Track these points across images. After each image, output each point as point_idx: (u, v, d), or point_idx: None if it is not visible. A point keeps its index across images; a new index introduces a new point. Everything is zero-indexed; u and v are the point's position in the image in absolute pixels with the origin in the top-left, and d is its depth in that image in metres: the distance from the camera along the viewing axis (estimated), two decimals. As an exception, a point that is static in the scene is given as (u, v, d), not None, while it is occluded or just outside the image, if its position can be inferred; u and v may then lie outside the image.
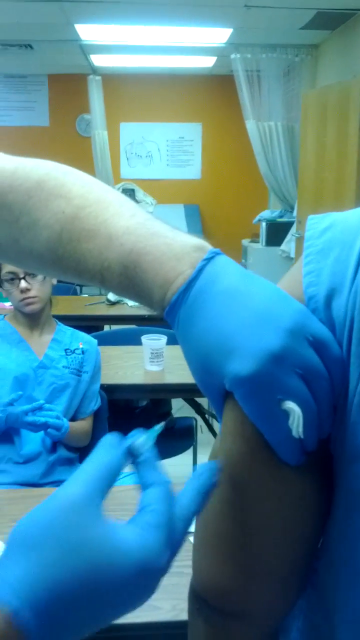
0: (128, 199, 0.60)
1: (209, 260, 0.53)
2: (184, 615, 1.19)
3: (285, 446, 0.49)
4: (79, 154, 7.21)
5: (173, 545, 0.45)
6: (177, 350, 2.82)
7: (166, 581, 1.38)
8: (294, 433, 0.48)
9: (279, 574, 0.54)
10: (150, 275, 0.54)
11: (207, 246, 0.55)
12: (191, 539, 1.37)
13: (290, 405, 0.47)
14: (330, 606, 0.55)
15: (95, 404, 2.23)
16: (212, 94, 7.14)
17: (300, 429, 0.47)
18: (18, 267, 0.71)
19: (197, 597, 0.58)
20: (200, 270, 0.52)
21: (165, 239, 0.55)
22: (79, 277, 0.60)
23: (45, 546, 0.41)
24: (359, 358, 0.49)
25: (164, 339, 2.60)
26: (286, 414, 0.47)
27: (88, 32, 5.15)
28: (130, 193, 7.29)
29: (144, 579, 0.44)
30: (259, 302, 0.50)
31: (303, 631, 0.60)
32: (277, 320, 0.48)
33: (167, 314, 0.54)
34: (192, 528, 1.40)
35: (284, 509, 0.51)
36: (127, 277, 0.55)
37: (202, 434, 3.20)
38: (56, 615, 0.40)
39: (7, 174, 0.62)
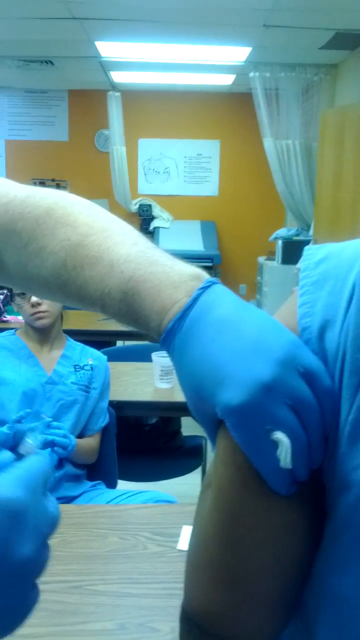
0: (132, 228, 0.63)
1: (204, 289, 0.54)
2: None
3: (275, 476, 0.49)
4: (97, 169, 7.27)
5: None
6: (187, 368, 2.81)
7: (165, 603, 1.35)
8: (282, 464, 0.48)
9: (269, 599, 0.54)
10: (147, 302, 0.56)
11: (204, 275, 0.56)
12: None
13: (279, 436, 0.48)
14: (312, 633, 0.55)
15: (103, 420, 2.22)
16: (230, 111, 7.17)
17: (289, 460, 0.48)
18: (27, 292, 0.74)
19: (188, 620, 0.58)
20: (195, 299, 0.54)
21: (164, 267, 0.57)
22: (81, 303, 0.62)
23: None
24: (350, 389, 0.49)
25: (174, 356, 2.59)
26: (275, 444, 0.48)
27: (108, 49, 5.20)
28: (147, 209, 7.32)
29: None
30: (252, 331, 0.50)
31: None
32: (269, 350, 0.49)
33: (162, 341, 0.55)
34: (185, 547, 1.36)
35: (275, 536, 0.52)
36: (126, 304, 0.57)
37: (212, 453, 3.17)
38: None
39: (18, 202, 0.65)
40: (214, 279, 0.56)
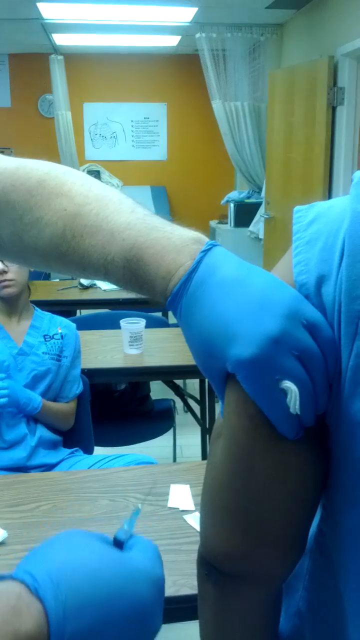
0: (125, 195, 0.64)
1: (206, 251, 0.57)
2: (184, 590, 1.23)
3: (284, 422, 0.53)
4: (42, 135, 7.11)
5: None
6: (156, 334, 2.84)
7: (165, 558, 1.40)
8: (292, 410, 0.52)
9: (283, 536, 0.58)
10: (152, 267, 0.58)
11: (204, 238, 0.59)
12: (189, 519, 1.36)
13: (288, 385, 0.51)
14: (335, 565, 0.59)
15: (77, 388, 2.23)
16: (176, 73, 7.09)
17: (297, 406, 0.52)
18: (21, 264, 0.75)
19: (206, 564, 0.62)
20: (199, 262, 0.56)
21: (164, 233, 0.59)
22: (82, 272, 0.64)
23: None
24: (348, 338, 0.53)
25: (142, 322, 2.61)
26: (284, 393, 0.52)
27: (50, 10, 5.05)
28: (95, 175, 7.21)
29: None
30: (257, 289, 0.53)
31: (309, 589, 0.65)
32: (275, 306, 0.52)
33: (169, 303, 0.58)
34: (175, 504, 1.40)
35: (285, 478, 0.56)
36: (130, 270, 0.59)
37: (179, 415, 3.22)
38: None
39: (9, 174, 0.65)
40: (214, 241, 0.58)
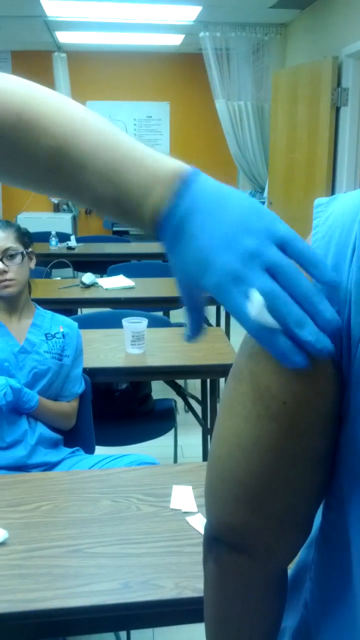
0: (103, 119, 0.66)
1: (188, 183, 0.59)
2: (186, 593, 1.22)
3: (273, 342, 0.52)
4: (44, 133, 7.09)
5: None
6: (158, 333, 2.83)
7: (165, 560, 1.39)
8: (254, 314, 0.52)
9: (282, 516, 0.60)
10: (139, 207, 0.60)
11: (187, 168, 0.61)
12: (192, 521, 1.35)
13: (252, 293, 0.52)
14: (343, 555, 0.59)
15: (79, 387, 2.22)
16: (180, 72, 7.07)
17: (265, 312, 0.51)
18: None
19: (209, 540, 0.64)
20: (182, 194, 0.58)
21: (146, 169, 0.61)
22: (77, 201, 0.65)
23: None
24: (358, 328, 0.54)
25: (144, 321, 2.60)
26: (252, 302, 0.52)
27: (54, 7, 5.04)
28: (97, 173, 7.21)
29: None
30: (233, 217, 0.56)
31: (315, 580, 0.66)
32: (246, 230, 0.55)
33: (157, 238, 0.61)
34: (177, 505, 1.39)
35: (291, 463, 0.57)
36: (119, 209, 0.62)
37: (180, 415, 3.21)
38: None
39: None
40: (196, 170, 0.60)
